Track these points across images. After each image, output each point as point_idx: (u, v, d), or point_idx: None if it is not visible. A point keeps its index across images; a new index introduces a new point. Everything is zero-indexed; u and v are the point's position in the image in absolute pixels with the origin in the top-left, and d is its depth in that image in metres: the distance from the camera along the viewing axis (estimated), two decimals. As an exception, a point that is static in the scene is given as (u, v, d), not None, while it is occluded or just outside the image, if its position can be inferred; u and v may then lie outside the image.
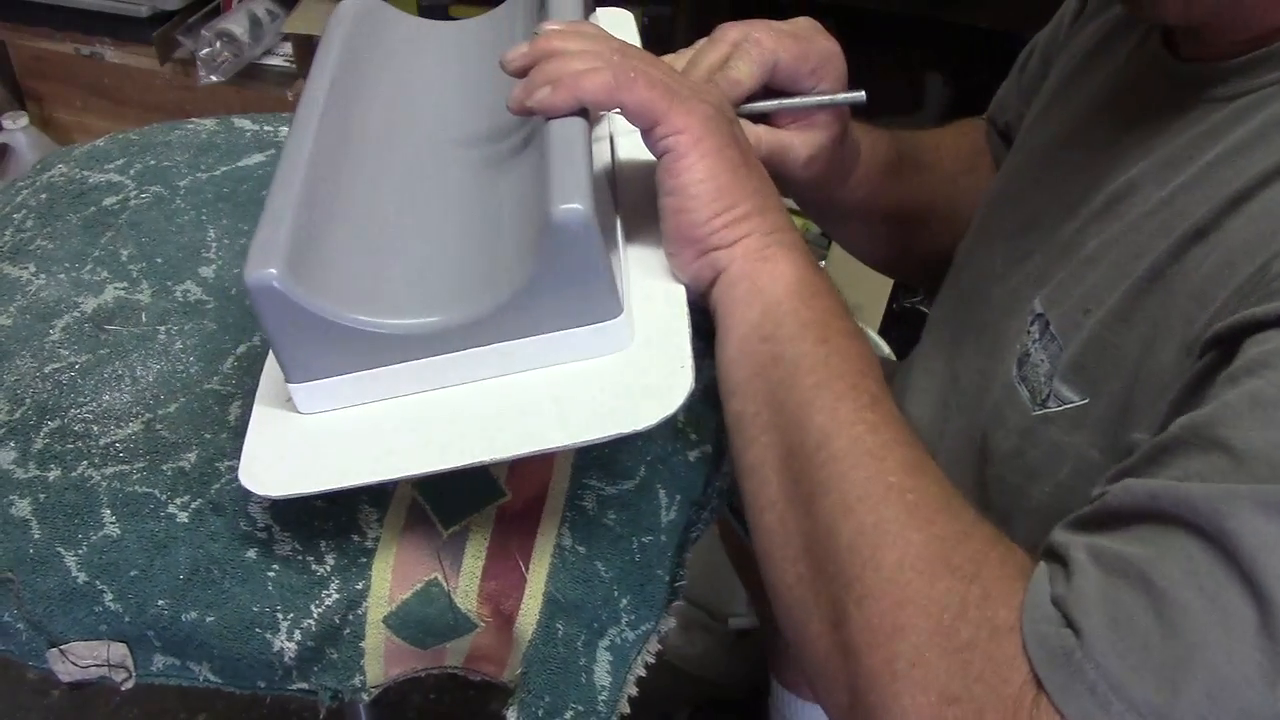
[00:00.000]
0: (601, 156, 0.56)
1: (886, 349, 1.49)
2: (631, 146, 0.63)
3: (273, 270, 0.48)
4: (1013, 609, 0.45)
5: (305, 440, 0.53)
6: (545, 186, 0.49)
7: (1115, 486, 0.45)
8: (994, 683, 0.43)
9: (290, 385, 0.52)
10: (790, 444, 0.51)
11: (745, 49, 0.63)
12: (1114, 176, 0.60)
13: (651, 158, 0.55)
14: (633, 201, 0.60)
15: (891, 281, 1.59)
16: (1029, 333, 0.61)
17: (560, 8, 0.60)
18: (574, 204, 0.48)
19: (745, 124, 0.64)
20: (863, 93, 0.66)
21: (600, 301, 0.51)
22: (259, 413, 0.55)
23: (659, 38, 1.73)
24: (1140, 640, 0.41)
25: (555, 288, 0.49)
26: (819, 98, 0.66)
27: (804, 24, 0.66)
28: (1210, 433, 0.43)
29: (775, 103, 0.66)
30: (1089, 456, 0.55)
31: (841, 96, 0.66)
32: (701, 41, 0.66)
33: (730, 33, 0.65)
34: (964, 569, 0.46)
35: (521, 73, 0.55)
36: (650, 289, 0.56)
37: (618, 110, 0.54)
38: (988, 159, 0.86)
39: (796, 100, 0.65)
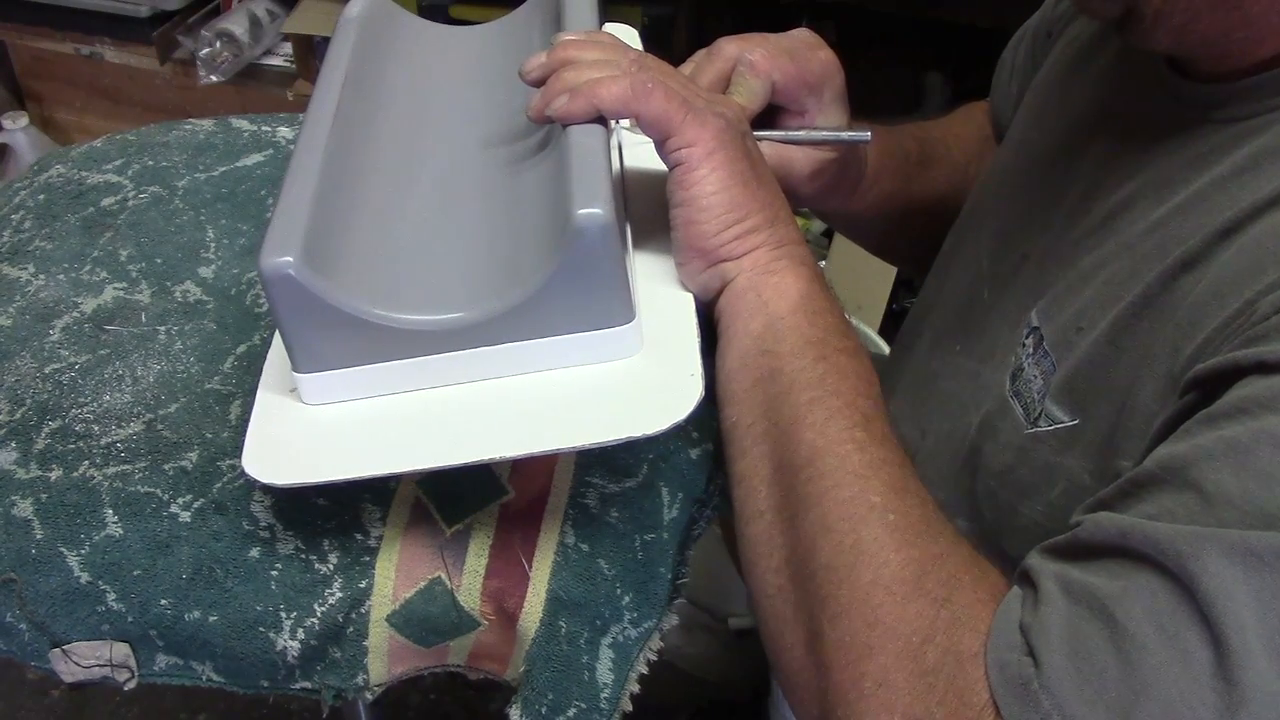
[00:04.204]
0: (612, 164, 0.56)
1: (886, 349, 1.49)
2: (638, 155, 0.64)
3: (289, 258, 0.48)
4: (979, 634, 0.46)
5: (310, 431, 0.53)
6: (565, 190, 0.50)
7: (1088, 519, 0.46)
8: (955, 706, 0.44)
9: (297, 375, 0.52)
10: (780, 457, 0.52)
11: (741, 74, 0.64)
12: (1110, 190, 0.60)
13: (659, 167, 0.56)
14: (641, 209, 0.61)
15: (891, 281, 1.60)
16: (1024, 345, 0.61)
17: (576, 17, 0.60)
18: (594, 208, 0.48)
19: None
20: (868, 133, 0.67)
21: (614, 306, 0.51)
22: (263, 401, 0.55)
23: (659, 39, 1.73)
24: (1097, 674, 0.42)
25: (570, 291, 0.50)
26: (825, 134, 0.67)
27: (801, 37, 0.66)
28: (1184, 473, 0.44)
29: (781, 134, 0.66)
30: (1080, 479, 0.56)
31: (846, 135, 0.67)
32: (700, 54, 0.66)
33: (728, 49, 0.65)
34: (936, 592, 0.47)
35: (539, 82, 0.56)
36: (659, 296, 0.56)
37: (626, 126, 0.54)
38: (994, 144, 0.85)
39: (801, 135, 0.66)
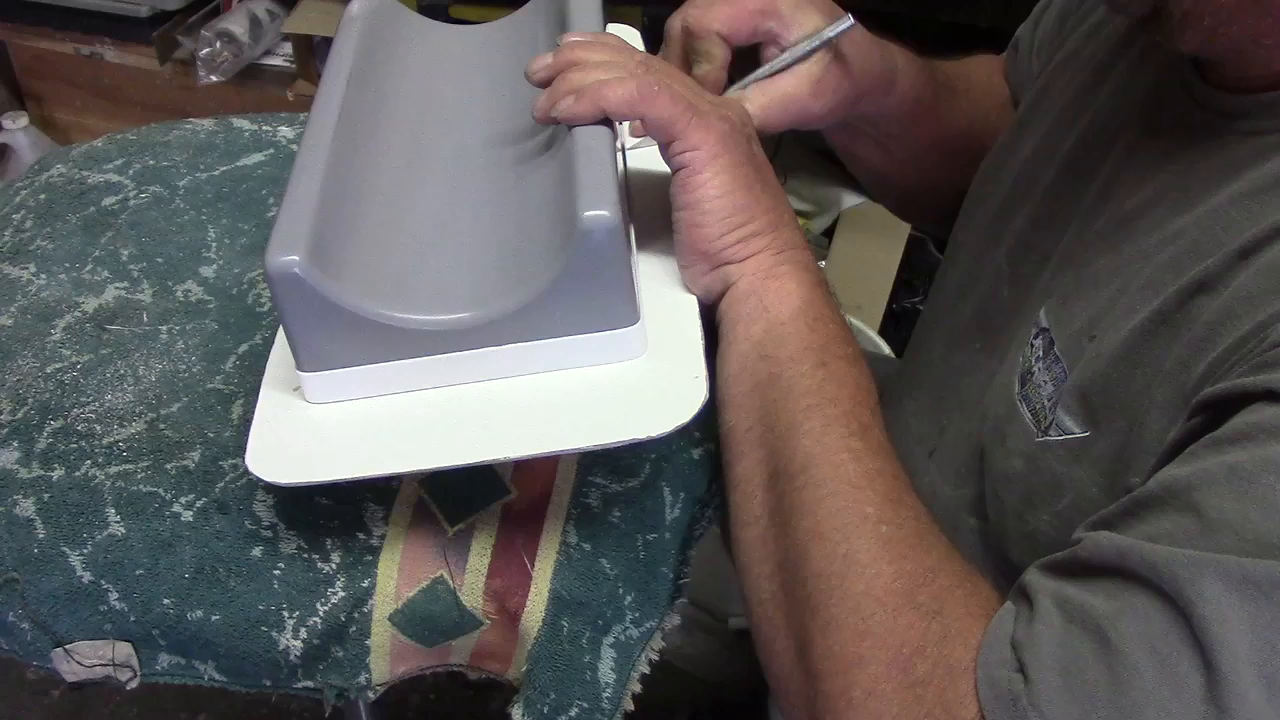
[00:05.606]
0: (618, 166, 0.56)
1: (886, 349, 1.49)
2: (642, 157, 0.64)
3: (295, 257, 0.48)
4: (970, 648, 0.46)
5: (313, 430, 0.53)
6: (572, 192, 0.50)
7: (1088, 537, 0.46)
8: (943, 719, 0.44)
9: (301, 374, 0.52)
10: (776, 464, 0.52)
11: (691, 46, 0.63)
12: (1128, 191, 0.59)
13: (662, 168, 0.56)
14: (644, 211, 0.61)
15: (891, 281, 1.59)
16: (1032, 346, 0.61)
17: (582, 18, 0.60)
18: (602, 210, 0.48)
19: (740, 95, 0.63)
20: (849, 16, 0.64)
21: (619, 308, 0.51)
22: (266, 399, 0.55)
23: (660, 39, 1.73)
24: (1087, 694, 0.42)
25: (576, 292, 0.50)
26: (804, 45, 0.63)
27: None
28: (1186, 496, 0.44)
29: (762, 70, 0.64)
30: (1088, 492, 0.55)
31: (828, 32, 0.63)
32: (662, 49, 0.66)
33: (672, 25, 0.64)
34: (928, 605, 0.47)
35: (545, 83, 0.55)
36: (663, 298, 0.57)
37: (633, 145, 0.54)
38: (1010, 104, 0.83)
39: (783, 58, 0.64)
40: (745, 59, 0.65)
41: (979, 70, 0.85)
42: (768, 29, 0.64)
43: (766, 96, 0.64)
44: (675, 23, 0.64)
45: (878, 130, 0.76)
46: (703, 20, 0.63)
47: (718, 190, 0.54)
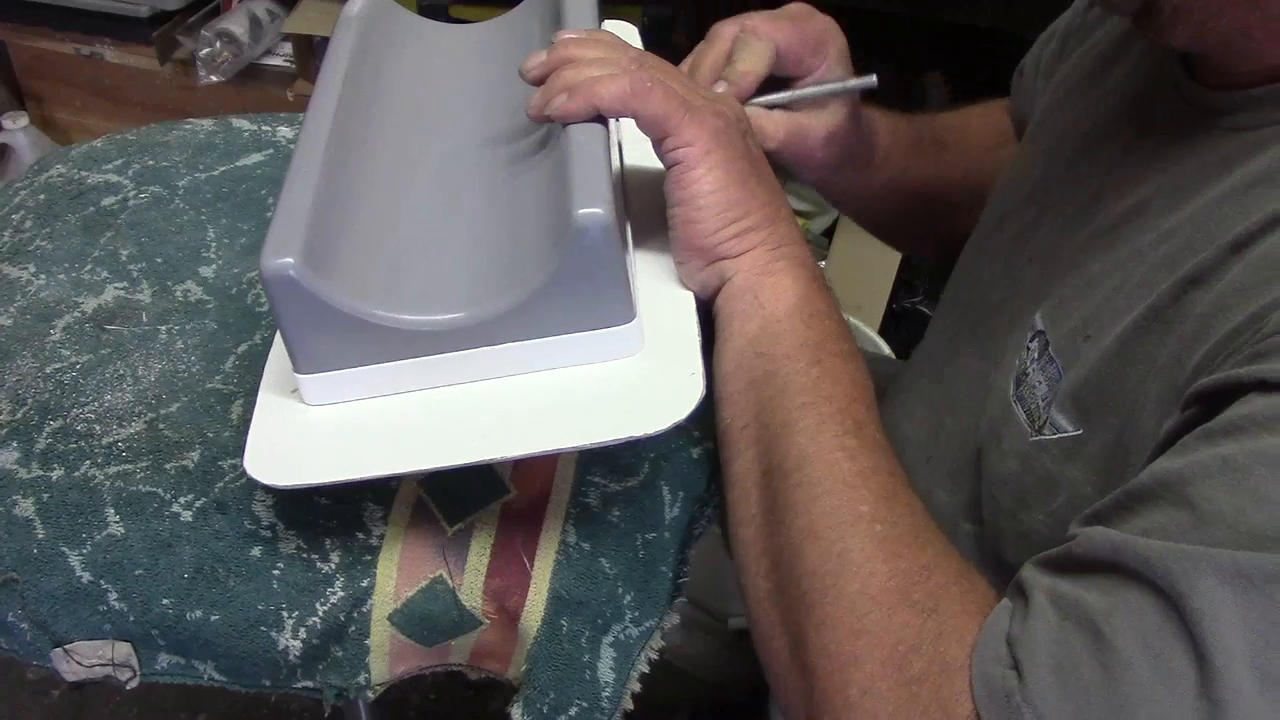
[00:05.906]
0: (612, 163, 0.56)
1: (886, 349, 1.49)
2: (639, 154, 0.64)
3: (289, 259, 0.48)
4: (965, 646, 0.46)
5: (311, 432, 0.53)
6: (566, 190, 0.50)
7: (1082, 533, 0.46)
8: (939, 717, 0.45)
9: (298, 376, 0.52)
10: (771, 461, 0.52)
11: (745, 40, 0.65)
12: (1122, 193, 0.59)
13: (659, 165, 0.56)
14: (641, 208, 0.61)
15: (891, 281, 1.60)
16: (1028, 349, 0.61)
17: (577, 16, 0.60)
18: (595, 208, 0.48)
19: (762, 112, 0.66)
20: (874, 76, 0.67)
21: (614, 306, 0.51)
22: (264, 402, 0.55)
23: (659, 39, 1.73)
24: (1081, 689, 0.42)
25: (571, 290, 0.50)
26: (832, 85, 0.67)
27: (795, 7, 0.68)
28: (1180, 489, 0.44)
29: (788, 94, 0.67)
30: (1082, 490, 0.55)
31: (853, 82, 0.67)
32: (700, 45, 0.67)
33: (726, 28, 0.66)
34: (923, 603, 0.47)
35: (539, 80, 0.55)
36: (659, 295, 0.56)
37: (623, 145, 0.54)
38: (1013, 141, 0.85)
39: (810, 90, 0.67)
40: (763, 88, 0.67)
41: (975, 119, 0.87)
42: (810, 63, 0.67)
43: (791, 126, 0.67)
44: (728, 28, 0.66)
45: (849, 195, 0.80)
46: (764, 28, 0.65)
47: (711, 185, 0.54)
